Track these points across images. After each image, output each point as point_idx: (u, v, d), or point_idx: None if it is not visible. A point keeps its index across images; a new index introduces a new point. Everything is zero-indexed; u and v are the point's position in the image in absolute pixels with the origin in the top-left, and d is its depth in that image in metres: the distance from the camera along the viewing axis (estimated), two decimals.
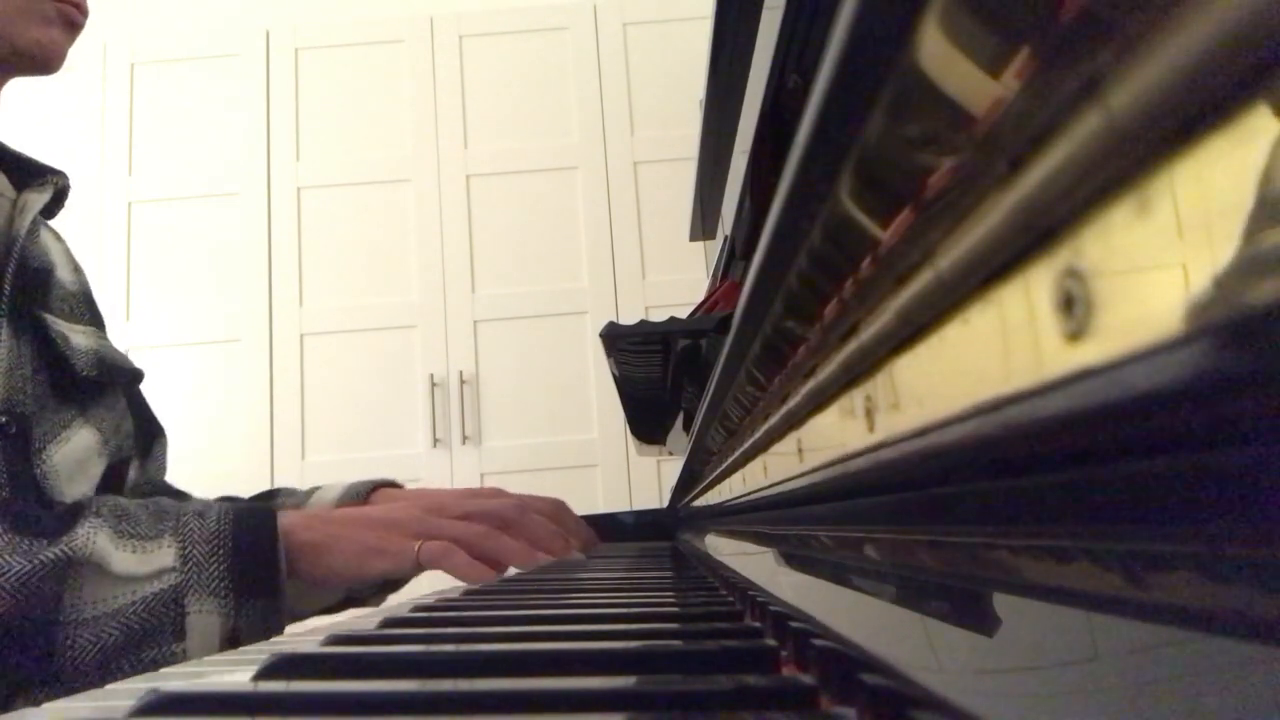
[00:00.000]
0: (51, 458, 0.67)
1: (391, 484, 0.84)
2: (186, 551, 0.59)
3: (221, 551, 0.59)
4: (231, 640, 0.59)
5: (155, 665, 0.56)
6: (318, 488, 0.83)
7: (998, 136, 0.12)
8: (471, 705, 0.20)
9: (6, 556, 0.54)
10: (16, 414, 0.65)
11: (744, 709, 0.19)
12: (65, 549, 0.55)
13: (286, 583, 0.62)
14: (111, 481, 0.74)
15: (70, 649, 0.54)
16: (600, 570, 0.68)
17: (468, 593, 0.54)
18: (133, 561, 0.57)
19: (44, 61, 0.71)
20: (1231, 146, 0.08)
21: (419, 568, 0.67)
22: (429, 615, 0.40)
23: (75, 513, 0.58)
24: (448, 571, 0.67)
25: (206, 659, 0.31)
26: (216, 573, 0.59)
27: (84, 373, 0.71)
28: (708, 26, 0.89)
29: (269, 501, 0.83)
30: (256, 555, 0.60)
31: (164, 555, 0.58)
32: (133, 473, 0.79)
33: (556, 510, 0.83)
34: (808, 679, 0.21)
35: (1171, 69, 0.08)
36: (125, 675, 0.56)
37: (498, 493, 0.80)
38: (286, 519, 0.64)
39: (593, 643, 0.29)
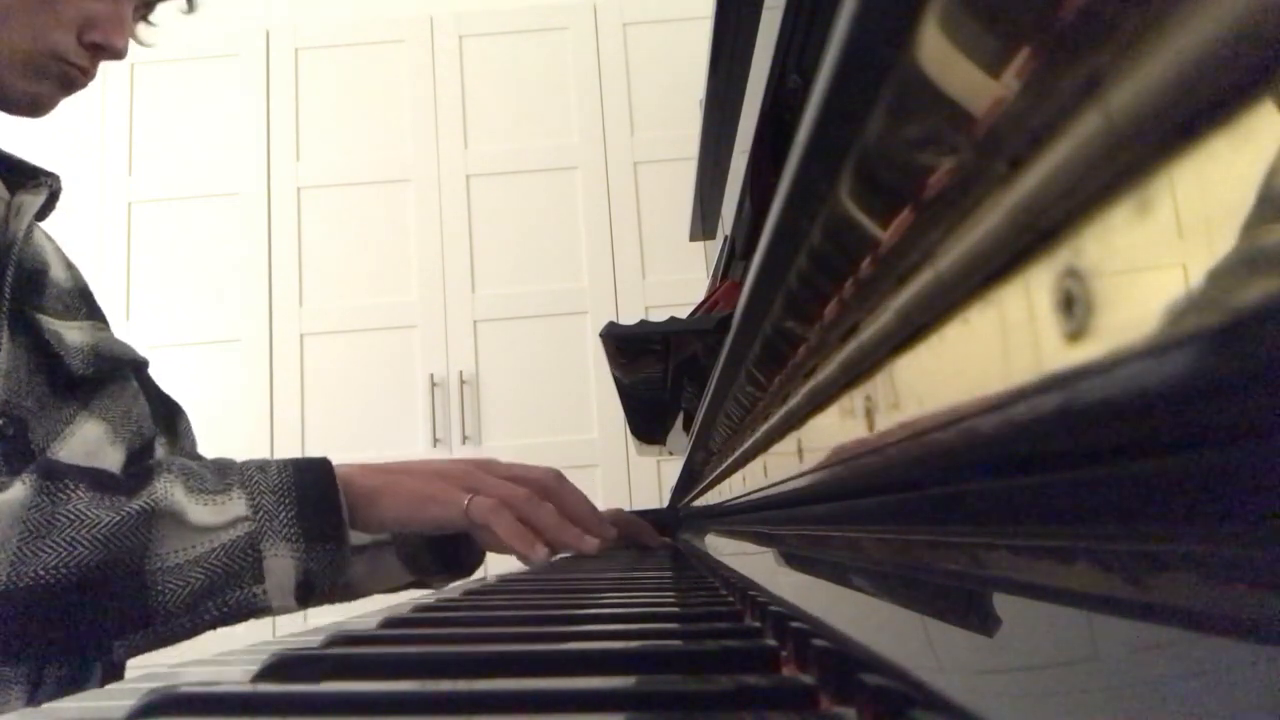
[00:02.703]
0: (55, 455, 0.67)
1: None
2: (256, 502, 0.62)
3: (288, 500, 0.63)
4: (305, 584, 0.62)
5: (240, 606, 0.61)
6: None
7: (998, 136, 0.12)
8: (471, 705, 0.20)
9: (94, 511, 0.57)
10: (14, 416, 0.66)
11: (744, 709, 0.19)
12: (148, 501, 0.59)
13: (348, 527, 0.65)
14: (138, 465, 0.75)
15: (160, 594, 0.58)
16: (600, 570, 0.68)
17: (468, 593, 0.54)
18: (207, 514, 0.61)
19: (30, 111, 0.71)
20: (1231, 146, 0.08)
21: (468, 521, 0.68)
22: (429, 615, 0.40)
23: (148, 471, 0.62)
24: (494, 528, 0.68)
25: (206, 659, 0.31)
26: (286, 519, 0.62)
27: (79, 371, 0.71)
28: (708, 26, 0.89)
29: None
30: (320, 502, 0.64)
31: (236, 506, 0.62)
32: (161, 451, 0.81)
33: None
34: (808, 679, 0.21)
35: (1171, 69, 0.08)
36: (213, 616, 0.60)
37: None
38: (343, 468, 0.67)
39: (593, 643, 0.29)
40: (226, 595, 0.60)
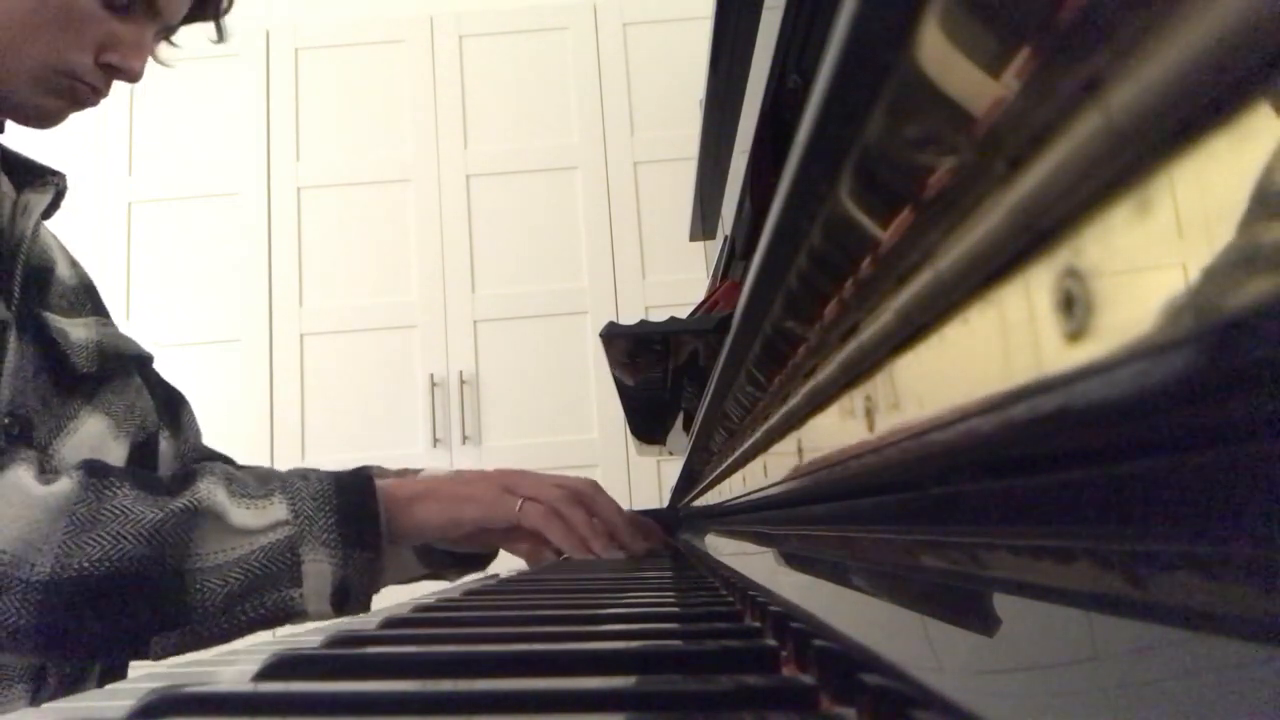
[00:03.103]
0: (59, 452, 0.68)
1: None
2: (296, 507, 0.63)
3: (328, 507, 0.64)
4: (341, 589, 0.63)
5: (276, 609, 0.61)
6: (415, 470, 0.87)
7: (998, 136, 0.12)
8: (471, 705, 0.20)
9: (139, 507, 0.58)
10: (19, 415, 0.66)
11: (744, 709, 0.19)
12: (191, 500, 0.60)
13: (386, 537, 0.66)
14: (143, 458, 0.76)
15: (199, 592, 0.59)
16: (600, 570, 0.68)
17: (468, 593, 0.54)
18: (248, 516, 0.62)
19: (37, 123, 0.70)
20: (1231, 146, 0.08)
21: (517, 524, 0.71)
22: (429, 615, 0.40)
23: (191, 474, 0.63)
24: (545, 532, 0.71)
25: (206, 659, 0.31)
26: (325, 525, 0.63)
27: (84, 368, 0.71)
28: (708, 26, 0.89)
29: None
30: (359, 510, 0.65)
31: (276, 510, 0.63)
32: (164, 443, 0.81)
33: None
34: (808, 679, 0.21)
35: (1171, 69, 0.08)
36: (249, 618, 0.61)
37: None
38: (382, 480, 0.69)
39: (593, 643, 0.29)
40: (264, 597, 0.61)
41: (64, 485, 0.57)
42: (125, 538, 0.57)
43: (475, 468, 2.35)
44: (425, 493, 0.70)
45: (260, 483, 0.64)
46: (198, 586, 0.59)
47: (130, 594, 0.57)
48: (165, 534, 0.58)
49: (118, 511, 0.57)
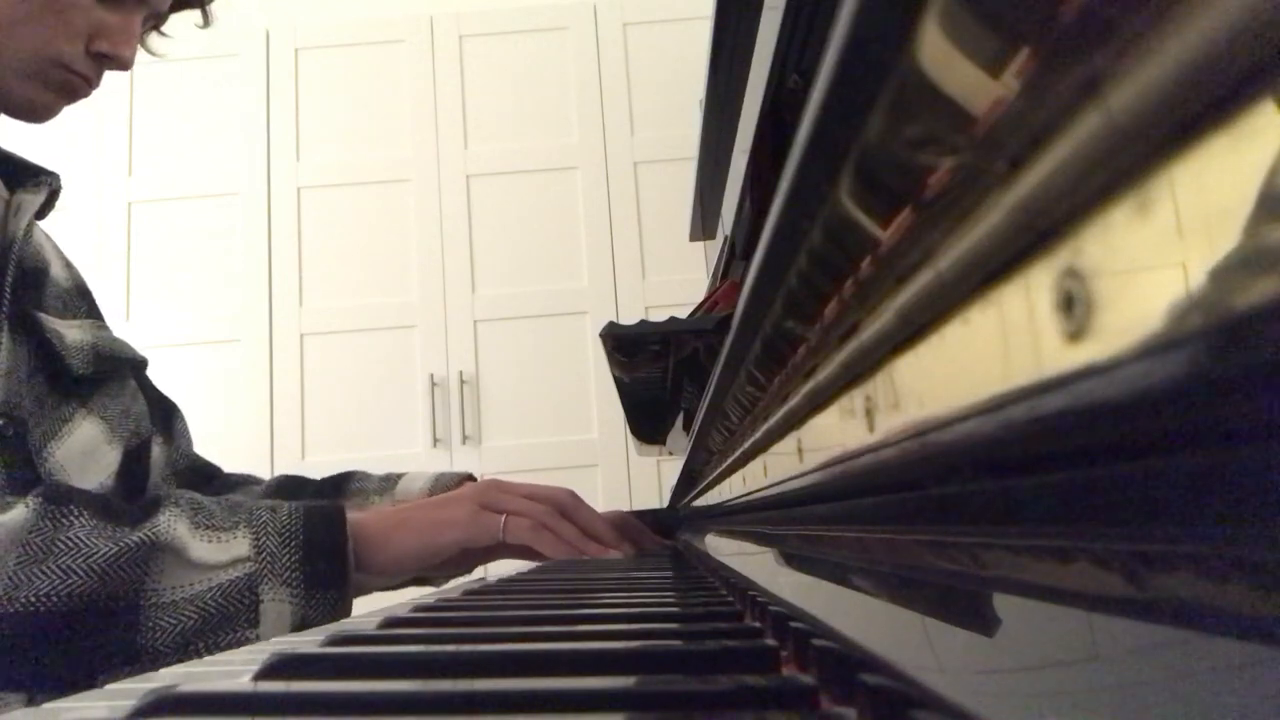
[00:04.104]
0: (53, 455, 0.67)
1: (472, 477, 0.87)
2: (260, 543, 0.61)
3: (293, 544, 0.61)
4: (301, 630, 0.60)
5: (231, 649, 0.58)
6: (398, 475, 0.85)
7: (998, 136, 0.12)
8: (471, 705, 0.20)
9: (94, 540, 0.56)
10: (14, 417, 0.65)
11: (744, 709, 0.19)
12: (149, 534, 0.58)
13: (355, 574, 0.64)
14: (135, 464, 0.75)
15: (151, 630, 0.57)
16: (600, 570, 0.68)
17: (468, 593, 0.54)
18: (209, 550, 0.59)
19: (30, 117, 0.70)
20: (1231, 146, 0.08)
21: (502, 541, 0.70)
22: (429, 615, 0.40)
23: (155, 503, 0.61)
24: (536, 546, 0.70)
25: (206, 659, 0.31)
26: (289, 563, 0.61)
27: (80, 371, 0.71)
28: (708, 26, 0.89)
29: (343, 485, 0.85)
30: (326, 549, 0.62)
31: (239, 545, 0.60)
32: (157, 450, 0.80)
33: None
34: (808, 679, 0.21)
35: (1171, 69, 0.08)
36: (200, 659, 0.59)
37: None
38: (355, 516, 0.66)
39: (593, 643, 0.29)
40: (218, 636, 0.58)
41: (18, 514, 0.56)
42: (75, 572, 0.55)
43: (475, 468, 2.34)
44: (401, 523, 0.68)
45: (227, 513, 0.62)
46: (149, 624, 0.56)
47: (79, 630, 0.55)
48: (119, 569, 0.56)
49: (71, 544, 0.55)
